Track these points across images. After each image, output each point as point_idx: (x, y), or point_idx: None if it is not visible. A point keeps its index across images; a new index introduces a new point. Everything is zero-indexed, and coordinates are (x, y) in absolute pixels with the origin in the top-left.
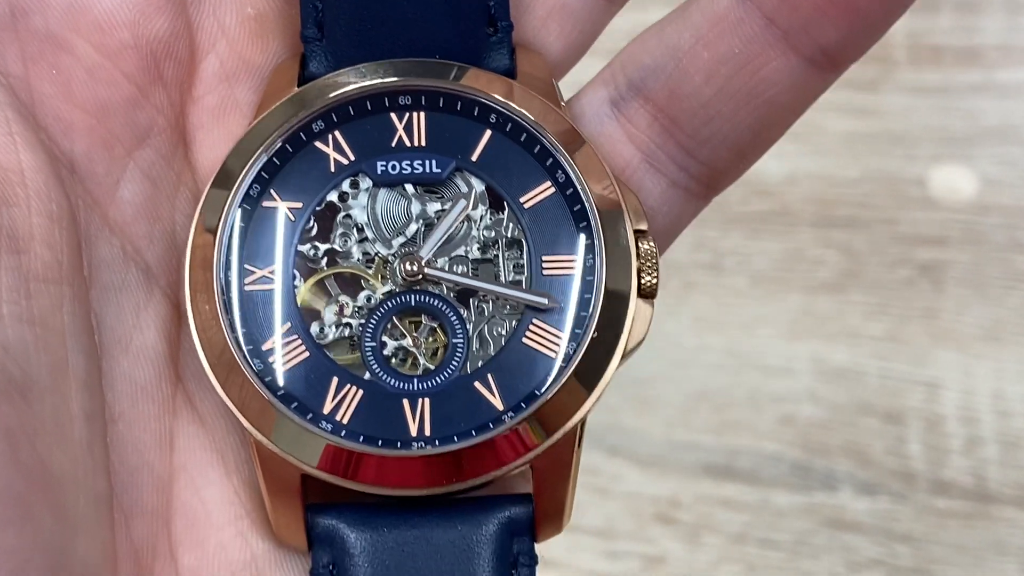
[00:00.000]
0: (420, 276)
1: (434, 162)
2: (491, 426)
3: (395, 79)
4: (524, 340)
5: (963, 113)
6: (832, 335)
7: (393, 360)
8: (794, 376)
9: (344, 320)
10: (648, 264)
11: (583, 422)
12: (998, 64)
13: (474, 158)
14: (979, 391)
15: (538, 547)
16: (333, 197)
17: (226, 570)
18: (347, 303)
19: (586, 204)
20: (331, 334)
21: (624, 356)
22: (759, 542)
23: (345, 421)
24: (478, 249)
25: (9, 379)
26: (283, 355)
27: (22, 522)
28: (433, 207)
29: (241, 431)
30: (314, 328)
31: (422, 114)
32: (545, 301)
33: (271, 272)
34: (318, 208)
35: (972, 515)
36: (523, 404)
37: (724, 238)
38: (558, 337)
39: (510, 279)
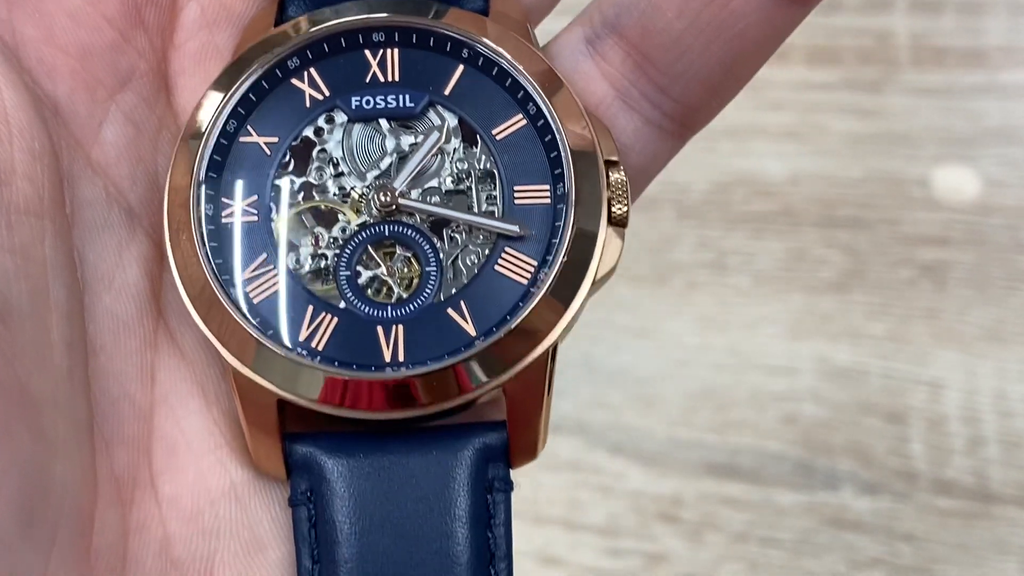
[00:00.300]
0: (394, 207)
1: (407, 97)
2: (463, 350)
3: (368, 15)
4: (496, 268)
5: (966, 114)
6: (835, 335)
7: (368, 290)
8: (797, 375)
9: (319, 251)
10: (619, 194)
11: (555, 348)
12: (1001, 65)
13: (447, 92)
14: (981, 391)
15: (541, 541)
16: (309, 132)
17: (205, 498)
18: (322, 235)
19: (557, 135)
20: (307, 265)
21: (595, 283)
22: (761, 541)
23: (320, 348)
24: (451, 181)
25: None
26: (259, 285)
27: None
28: (407, 140)
29: (221, 364)
30: (290, 259)
31: (395, 50)
32: (516, 229)
33: (248, 205)
34: (294, 143)
35: (974, 515)
36: (494, 329)
37: (727, 238)
38: (530, 264)
39: (483, 210)
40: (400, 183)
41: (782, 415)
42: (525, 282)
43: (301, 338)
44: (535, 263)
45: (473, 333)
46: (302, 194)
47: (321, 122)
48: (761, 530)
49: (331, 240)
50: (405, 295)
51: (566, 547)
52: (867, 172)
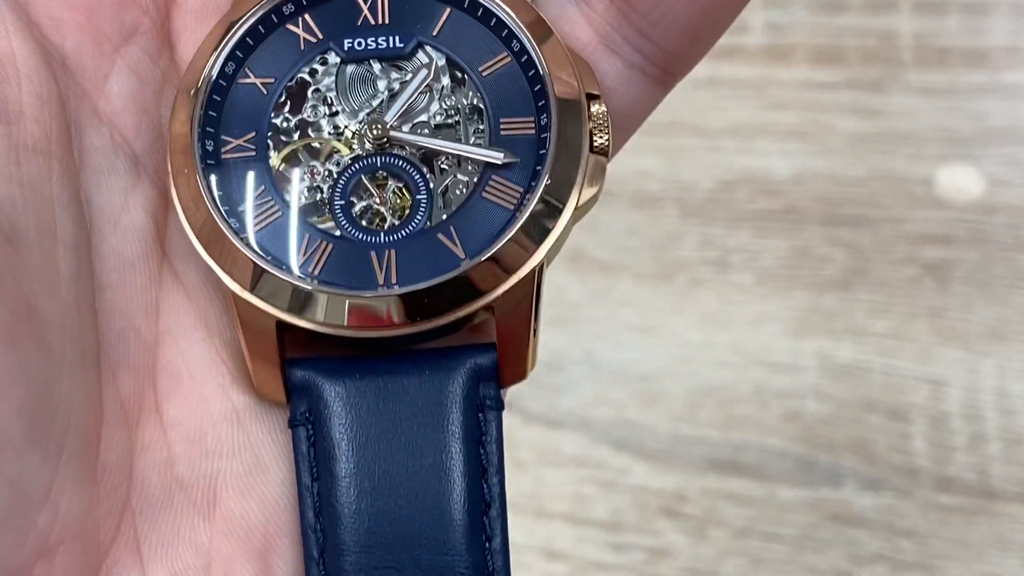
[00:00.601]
0: (385, 140)
1: (397, 38)
2: (452, 269)
3: None
4: (484, 195)
5: (969, 114)
6: (838, 332)
7: (362, 219)
8: (800, 372)
9: (315, 184)
10: (600, 124)
11: (541, 269)
12: (1005, 65)
13: (434, 33)
14: (983, 389)
15: (544, 535)
16: (304, 73)
17: (208, 421)
18: (317, 168)
19: (540, 70)
20: (303, 198)
21: (578, 208)
22: (764, 536)
23: (317, 272)
24: (440, 117)
25: None
26: (258, 215)
27: (5, 347)
28: (397, 79)
29: (223, 300)
30: (287, 192)
31: None
32: (501, 155)
33: (246, 141)
34: (289, 83)
35: (975, 511)
36: (482, 249)
37: (731, 235)
38: (515, 190)
39: (470, 143)
40: (391, 117)
41: (785, 412)
42: (511, 207)
43: (299, 263)
44: (521, 189)
45: (462, 255)
46: (298, 132)
47: (315, 64)
48: (764, 526)
49: (326, 174)
50: (397, 223)
51: (570, 541)
52: (871, 171)
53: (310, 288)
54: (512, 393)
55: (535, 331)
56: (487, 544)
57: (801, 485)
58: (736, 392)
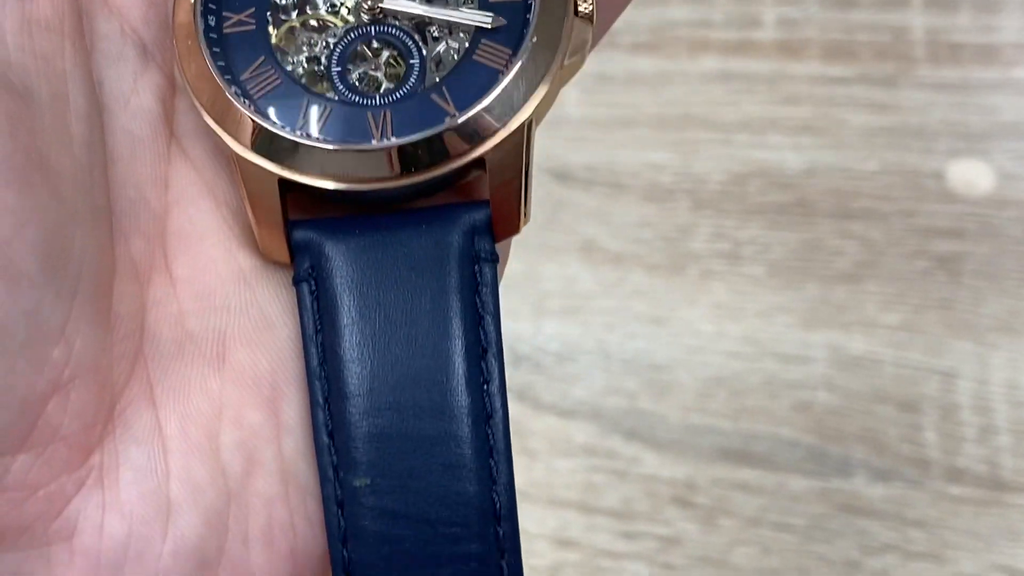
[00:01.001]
0: (378, 10)
1: None
2: (444, 122)
3: None
4: (475, 58)
5: (980, 109)
6: (849, 324)
7: (359, 84)
8: (811, 364)
9: (313, 55)
10: None
11: (530, 126)
12: (1015, 62)
13: None
14: (994, 381)
15: (556, 523)
16: None
17: (216, 279)
18: (314, 39)
19: None
20: (301, 68)
21: (563, 67)
22: (774, 525)
23: (316, 131)
24: None
25: (9, 84)
26: (260, 83)
27: (20, 187)
28: None
29: (229, 172)
30: (286, 63)
31: None
32: (490, 18)
33: (246, 16)
34: None
35: (985, 502)
36: (472, 104)
37: (743, 228)
38: (505, 52)
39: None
40: None
41: (796, 402)
42: (500, 66)
43: (299, 124)
44: (509, 50)
45: (454, 111)
46: (296, 11)
47: None
48: (774, 515)
49: (323, 45)
50: (392, 87)
51: (581, 530)
52: (882, 165)
53: (309, 143)
54: (524, 383)
55: (527, 187)
56: (485, 387)
57: (811, 475)
58: (747, 383)
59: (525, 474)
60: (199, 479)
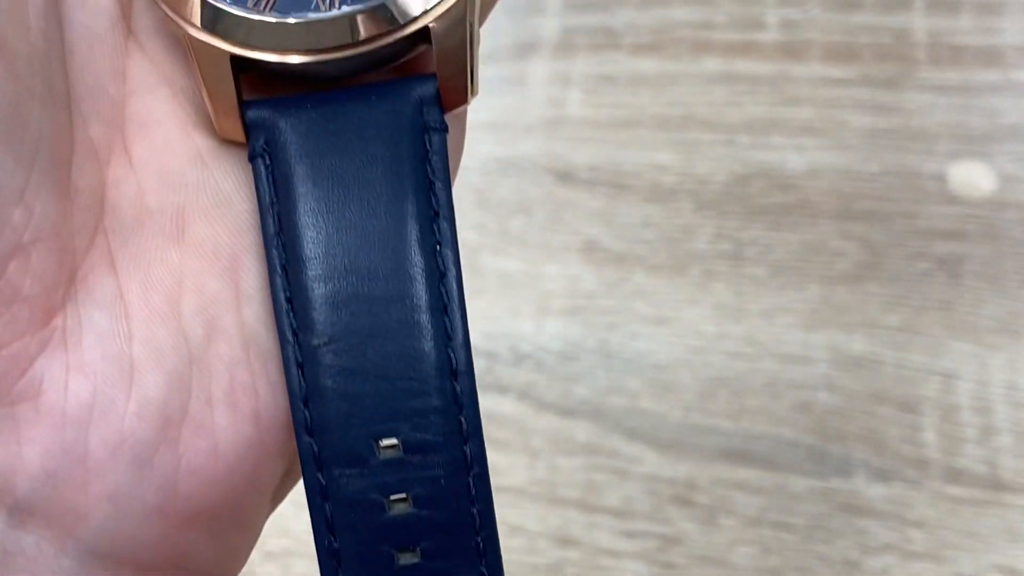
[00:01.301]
0: None
1: None
2: None
3: None
4: None
5: (982, 111)
6: (850, 325)
7: None
8: (811, 364)
9: None
10: None
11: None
12: (1017, 64)
13: None
14: (994, 382)
15: (557, 522)
16: None
17: (174, 161)
18: None
19: None
20: None
21: None
22: (774, 525)
23: (266, 8)
24: None
25: None
26: None
27: None
28: None
29: (185, 64)
30: None
31: None
32: None
33: None
34: None
35: (985, 502)
36: None
37: (745, 229)
38: None
39: None
40: None
41: (796, 403)
42: None
43: (251, 3)
44: None
45: None
46: None
47: None
48: (774, 515)
49: None
50: None
51: (582, 528)
52: (884, 167)
53: (262, 18)
54: (526, 382)
55: (472, 59)
56: (437, 247)
57: (812, 475)
58: (748, 383)
59: (526, 472)
60: (161, 343)
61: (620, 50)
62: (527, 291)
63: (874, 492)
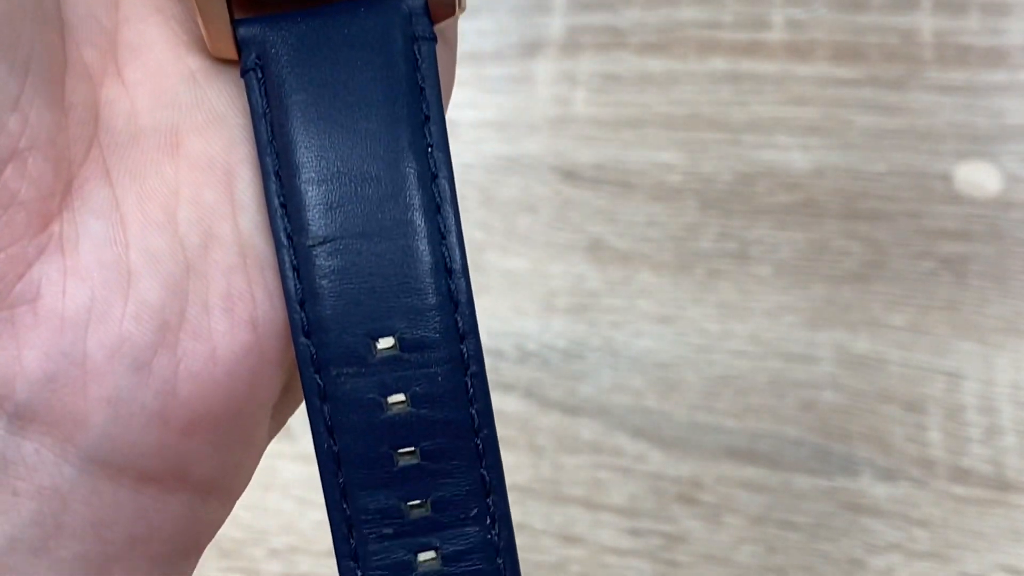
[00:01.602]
0: None
1: None
2: None
3: None
4: None
5: (988, 112)
6: (855, 324)
7: None
8: (816, 363)
9: None
10: None
11: None
12: (1023, 65)
13: None
14: (999, 382)
15: (561, 520)
16: None
17: (167, 82)
18: None
19: None
20: None
21: None
22: (779, 524)
23: None
24: None
25: None
26: None
27: None
28: None
29: None
30: None
31: None
32: None
33: None
34: None
35: (990, 502)
36: None
37: (751, 228)
38: None
39: None
40: None
41: (801, 402)
42: None
43: None
44: None
45: None
46: None
47: None
48: (779, 513)
49: None
50: None
51: (586, 526)
52: (890, 166)
53: None
54: (531, 380)
55: None
56: (429, 150)
57: (816, 474)
58: (753, 382)
59: (531, 471)
60: (158, 250)
61: (626, 49)
62: (532, 289)
63: (879, 491)
